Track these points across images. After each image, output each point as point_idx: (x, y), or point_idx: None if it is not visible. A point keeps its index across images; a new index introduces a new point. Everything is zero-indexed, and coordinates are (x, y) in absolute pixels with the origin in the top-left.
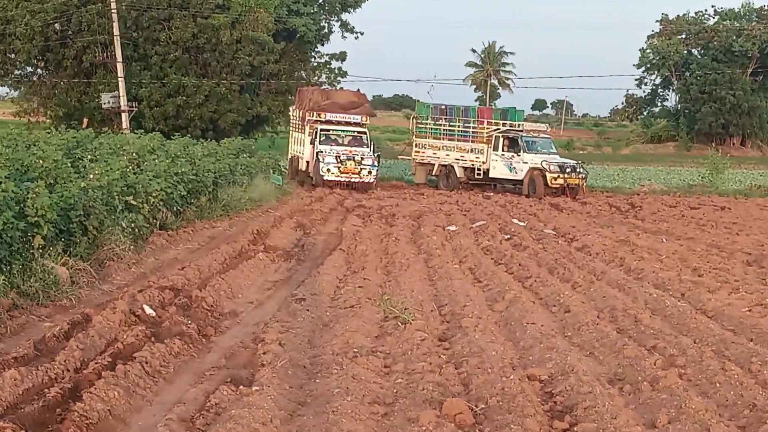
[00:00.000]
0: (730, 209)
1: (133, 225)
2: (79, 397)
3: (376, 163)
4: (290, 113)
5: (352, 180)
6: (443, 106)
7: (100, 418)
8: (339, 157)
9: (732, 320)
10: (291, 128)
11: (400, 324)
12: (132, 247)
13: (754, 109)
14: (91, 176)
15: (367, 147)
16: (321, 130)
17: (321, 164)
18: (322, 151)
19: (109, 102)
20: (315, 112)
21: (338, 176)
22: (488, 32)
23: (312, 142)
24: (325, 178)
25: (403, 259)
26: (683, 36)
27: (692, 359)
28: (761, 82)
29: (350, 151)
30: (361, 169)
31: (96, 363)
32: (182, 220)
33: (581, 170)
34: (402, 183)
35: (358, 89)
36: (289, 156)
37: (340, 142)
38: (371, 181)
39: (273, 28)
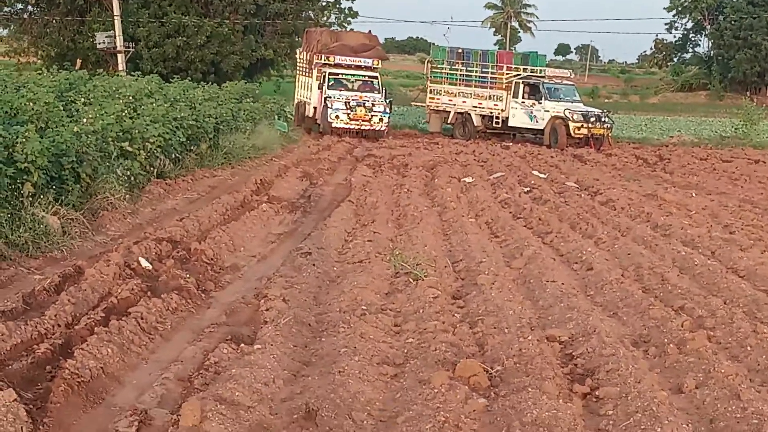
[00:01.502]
0: (764, 163)
1: (128, 173)
2: (70, 354)
3: (387, 110)
4: (297, 56)
5: (362, 127)
6: (460, 50)
7: (93, 377)
8: (348, 103)
9: (765, 280)
10: (298, 72)
11: (411, 280)
12: (127, 196)
13: None
14: (85, 120)
15: (379, 93)
16: (329, 74)
17: (329, 110)
18: (330, 97)
19: (104, 42)
20: (323, 55)
21: (347, 123)
22: None
23: (320, 87)
24: (333, 125)
25: (415, 212)
26: None
27: (722, 321)
28: None
29: (360, 97)
30: (371, 116)
31: (88, 318)
32: (181, 168)
33: (606, 120)
34: (415, 131)
35: (369, 31)
36: (296, 102)
37: (350, 87)
38: (382, 129)
39: None
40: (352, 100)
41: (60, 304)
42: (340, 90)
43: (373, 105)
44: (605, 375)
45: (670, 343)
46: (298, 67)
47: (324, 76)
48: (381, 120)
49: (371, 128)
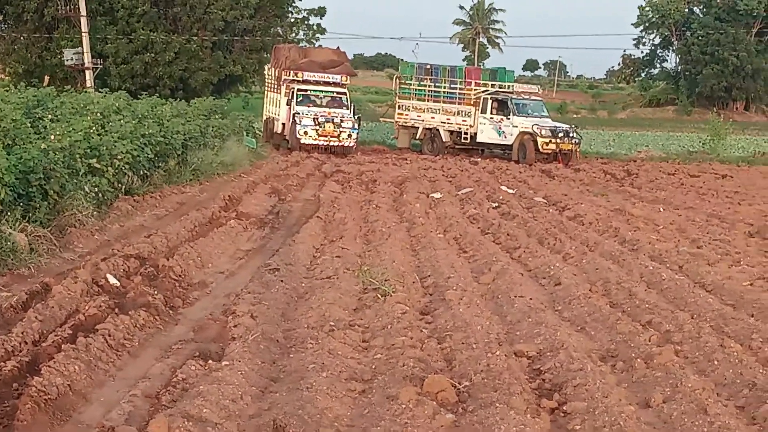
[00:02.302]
0: (732, 177)
1: (96, 189)
2: (37, 372)
3: (356, 126)
4: (265, 72)
5: (331, 143)
6: (428, 66)
7: (60, 394)
8: (317, 119)
9: (732, 294)
10: (266, 88)
11: (379, 296)
12: (95, 212)
13: (758, 71)
14: (52, 137)
15: (347, 109)
16: (298, 90)
17: (298, 126)
18: (299, 113)
19: (72, 59)
20: (292, 71)
21: (316, 139)
22: None
23: (288, 103)
24: (302, 141)
25: (384, 227)
26: None
27: (689, 335)
28: (766, 42)
29: (329, 113)
30: (340, 132)
31: (56, 335)
32: (149, 184)
33: (574, 135)
34: (384, 147)
35: (338, 47)
36: (264, 118)
37: (319, 103)
38: (351, 144)
39: None
40: (321, 116)
41: (27, 321)
42: (309, 106)
43: (341, 121)
44: (573, 390)
45: (637, 358)
46: (266, 84)
47: (292, 93)
48: (350, 136)
49: (340, 144)
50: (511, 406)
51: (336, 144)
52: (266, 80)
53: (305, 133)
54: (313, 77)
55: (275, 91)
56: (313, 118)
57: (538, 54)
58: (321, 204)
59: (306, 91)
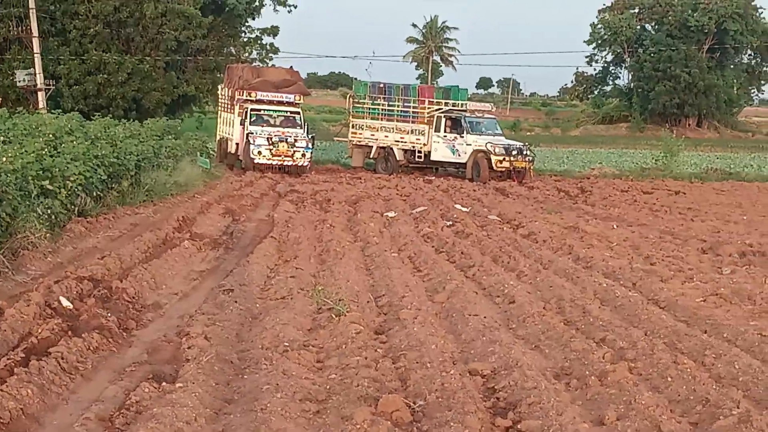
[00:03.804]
0: (684, 194)
1: (49, 211)
2: None
3: (310, 146)
4: (219, 92)
5: (285, 163)
6: (382, 85)
7: (12, 418)
8: (270, 138)
9: (685, 311)
10: (220, 108)
11: (334, 316)
12: (48, 235)
13: (710, 87)
14: (4, 159)
15: (301, 128)
16: (251, 110)
17: (251, 146)
18: (252, 133)
19: (24, 80)
20: (245, 91)
21: (270, 159)
22: (430, 5)
23: (242, 123)
24: (255, 161)
25: (338, 247)
26: (636, 10)
27: (643, 352)
28: (718, 59)
29: (282, 132)
30: (294, 151)
31: (8, 359)
32: (102, 206)
33: (528, 153)
34: (338, 166)
35: (291, 66)
36: (218, 138)
37: (272, 122)
38: (305, 164)
39: (201, 1)
40: (275, 135)
41: None
42: (263, 126)
43: (295, 140)
44: (527, 408)
45: (591, 375)
46: (219, 104)
47: (246, 112)
48: (304, 155)
49: (294, 164)
50: (466, 425)
51: (290, 164)
52: (220, 100)
53: (259, 153)
54: (266, 97)
55: (229, 111)
56: (267, 138)
57: (492, 72)
58: (275, 224)
59: (259, 110)
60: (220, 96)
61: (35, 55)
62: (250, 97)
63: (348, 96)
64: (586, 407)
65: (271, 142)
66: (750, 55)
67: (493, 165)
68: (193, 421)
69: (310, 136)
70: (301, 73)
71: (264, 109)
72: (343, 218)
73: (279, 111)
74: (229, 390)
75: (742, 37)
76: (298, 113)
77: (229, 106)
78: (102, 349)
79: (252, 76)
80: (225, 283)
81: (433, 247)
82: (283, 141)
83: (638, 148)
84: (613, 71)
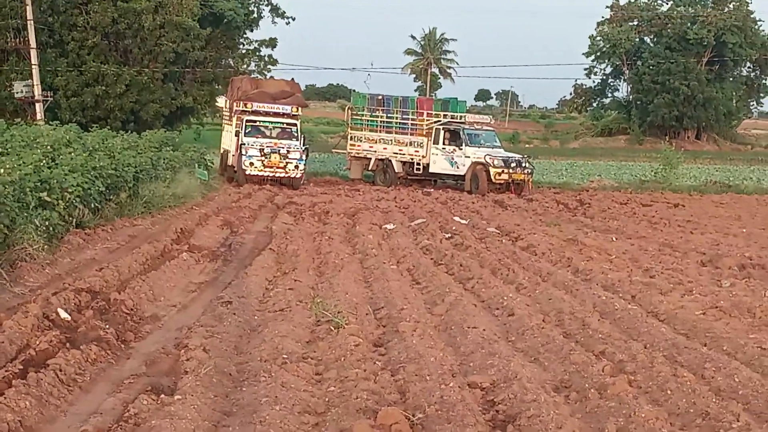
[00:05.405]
0: (684, 206)
1: (47, 223)
2: None
3: (303, 157)
4: (223, 104)
5: (277, 175)
6: (380, 97)
7: (11, 430)
8: (263, 150)
9: (685, 324)
10: (223, 121)
11: (332, 328)
12: (46, 246)
13: (709, 100)
14: (2, 171)
15: (297, 140)
16: (247, 121)
17: (243, 157)
18: (245, 144)
19: (22, 91)
20: (242, 102)
21: (262, 170)
22: (428, 17)
23: (237, 134)
24: (247, 172)
25: (336, 259)
26: (635, 23)
27: (642, 365)
28: (717, 71)
29: (275, 144)
30: (286, 163)
31: (6, 371)
32: (100, 217)
33: (527, 165)
34: (336, 178)
35: (293, 78)
36: (221, 151)
37: (268, 134)
38: (298, 176)
39: (198, 13)
40: (267, 146)
41: None
42: (257, 137)
43: (288, 152)
44: (527, 421)
45: (591, 388)
46: (223, 116)
47: (242, 123)
48: (296, 167)
49: (286, 175)
50: None
51: (282, 175)
52: (223, 112)
53: (251, 164)
54: (262, 108)
55: (229, 122)
56: (259, 149)
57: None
58: (273, 236)
59: (255, 122)
60: (224, 108)
61: (33, 66)
62: (247, 107)
63: (346, 108)
64: (586, 420)
65: (263, 153)
66: (749, 67)
67: (492, 177)
68: None
69: (303, 148)
70: (300, 84)
71: (260, 121)
72: (341, 230)
73: (275, 122)
74: (227, 402)
75: (741, 49)
76: (295, 125)
77: (229, 118)
78: (100, 361)
79: (250, 87)
80: (223, 295)
81: (432, 259)
82: (275, 152)
83: (637, 161)
84: (612, 83)
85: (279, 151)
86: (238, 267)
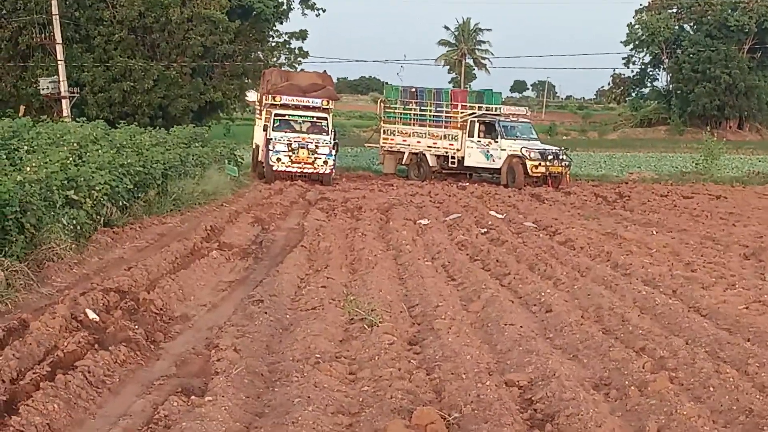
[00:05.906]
0: (726, 198)
1: (74, 222)
2: (15, 411)
3: (333, 152)
4: (252, 98)
5: (305, 171)
6: (413, 89)
7: None
8: (291, 144)
9: (727, 319)
10: (256, 115)
11: (366, 327)
12: (73, 246)
13: (751, 89)
14: (28, 169)
15: (327, 134)
16: (276, 115)
17: (270, 153)
18: (272, 139)
19: (48, 87)
20: (271, 95)
21: (289, 166)
22: (462, 7)
23: (264, 129)
24: (274, 168)
25: (370, 256)
26: (674, 10)
27: (684, 361)
28: (759, 59)
29: (303, 138)
30: (315, 158)
31: (34, 373)
32: (129, 216)
33: (564, 157)
34: (369, 173)
35: (324, 71)
36: (253, 146)
37: (298, 128)
38: (327, 171)
39: (227, 6)
40: (295, 141)
41: (4, 359)
42: (286, 131)
43: (317, 147)
44: (566, 420)
45: (631, 386)
46: (256, 110)
47: (271, 117)
48: (325, 162)
49: (315, 171)
50: None
51: (310, 171)
52: (256, 107)
53: (278, 159)
54: (292, 101)
55: (260, 116)
56: (287, 144)
57: (526, 75)
58: (305, 233)
59: (284, 115)
60: (255, 102)
61: (59, 62)
62: (276, 101)
63: (379, 101)
64: (626, 418)
65: (290, 148)
66: None
67: (529, 170)
68: None
69: (333, 143)
70: (331, 77)
71: (289, 114)
72: (374, 226)
73: (305, 116)
74: (259, 403)
75: None
76: (326, 119)
77: (260, 113)
78: (129, 363)
79: (280, 80)
80: (255, 293)
81: (467, 255)
82: (303, 147)
83: (678, 152)
84: (651, 73)
85: (307, 146)
86: (270, 265)
